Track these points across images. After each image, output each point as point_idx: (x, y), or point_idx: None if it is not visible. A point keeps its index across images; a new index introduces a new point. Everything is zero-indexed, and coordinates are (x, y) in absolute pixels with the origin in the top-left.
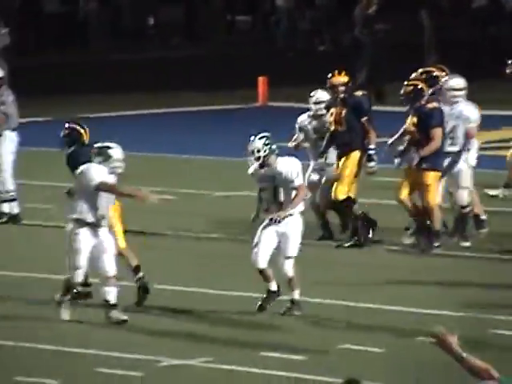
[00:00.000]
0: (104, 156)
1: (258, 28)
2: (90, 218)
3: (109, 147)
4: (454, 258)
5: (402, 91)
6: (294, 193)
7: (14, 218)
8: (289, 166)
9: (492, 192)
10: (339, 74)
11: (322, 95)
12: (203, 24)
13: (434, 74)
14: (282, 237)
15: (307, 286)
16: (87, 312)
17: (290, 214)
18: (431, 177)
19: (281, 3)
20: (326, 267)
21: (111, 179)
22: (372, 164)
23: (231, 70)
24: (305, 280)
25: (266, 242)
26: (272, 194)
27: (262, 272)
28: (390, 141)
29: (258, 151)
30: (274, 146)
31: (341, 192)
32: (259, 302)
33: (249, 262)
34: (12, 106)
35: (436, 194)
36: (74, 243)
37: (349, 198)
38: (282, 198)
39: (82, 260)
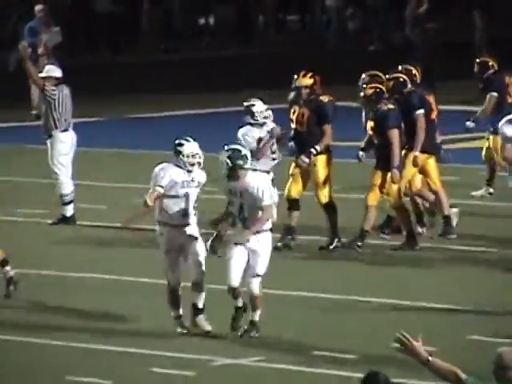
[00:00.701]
0: (175, 153)
1: (309, 27)
2: (173, 220)
3: (179, 144)
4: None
5: (361, 94)
6: (260, 212)
7: (66, 220)
8: (258, 184)
9: (474, 193)
10: (304, 76)
11: (260, 107)
12: (254, 23)
13: (402, 79)
14: (252, 254)
15: (358, 285)
16: (142, 312)
17: (258, 232)
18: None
19: (330, 3)
20: (374, 266)
21: (184, 177)
22: (306, 160)
23: (282, 69)
24: (354, 279)
25: (237, 260)
26: (238, 210)
27: (234, 290)
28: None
29: (222, 164)
30: (240, 162)
31: (322, 196)
32: (231, 322)
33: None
34: (63, 107)
35: (377, 196)
36: (163, 263)
37: (331, 201)
38: (246, 214)
39: (173, 277)
